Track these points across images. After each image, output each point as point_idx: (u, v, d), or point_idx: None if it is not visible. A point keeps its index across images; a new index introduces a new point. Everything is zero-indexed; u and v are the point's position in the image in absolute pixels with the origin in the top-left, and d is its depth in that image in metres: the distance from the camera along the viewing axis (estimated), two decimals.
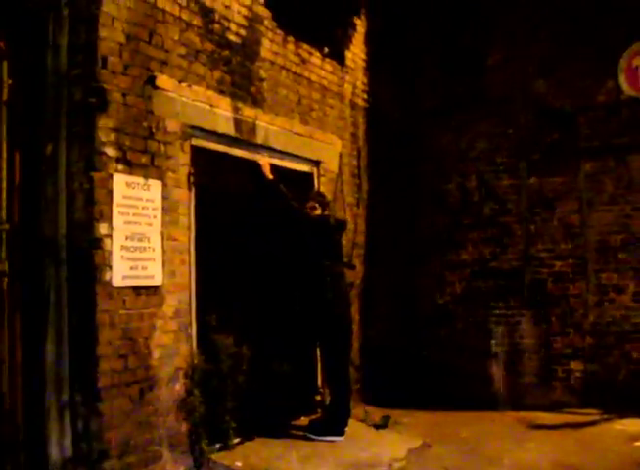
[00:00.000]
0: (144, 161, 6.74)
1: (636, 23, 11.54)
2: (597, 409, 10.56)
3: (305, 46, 9.70)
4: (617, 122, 11.65)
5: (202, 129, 7.58)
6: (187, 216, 7.29)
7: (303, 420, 9.08)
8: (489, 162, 12.40)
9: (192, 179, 7.34)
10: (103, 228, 6.28)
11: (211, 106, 7.70)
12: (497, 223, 12.31)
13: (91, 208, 6.23)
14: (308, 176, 9.76)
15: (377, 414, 9.73)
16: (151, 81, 6.85)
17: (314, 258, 8.83)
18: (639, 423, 9.69)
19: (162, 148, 6.97)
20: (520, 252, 12.15)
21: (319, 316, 8.82)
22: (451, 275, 12.57)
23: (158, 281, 6.82)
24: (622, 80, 11.64)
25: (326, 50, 10.26)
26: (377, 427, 9.38)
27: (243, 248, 8.42)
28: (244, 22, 8.43)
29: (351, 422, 9.10)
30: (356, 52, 11.20)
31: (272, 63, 8.94)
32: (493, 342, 12.27)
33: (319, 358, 9.41)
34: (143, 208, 6.68)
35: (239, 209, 8.43)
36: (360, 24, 11.38)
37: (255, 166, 8.49)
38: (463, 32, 12.75)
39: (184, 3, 7.42)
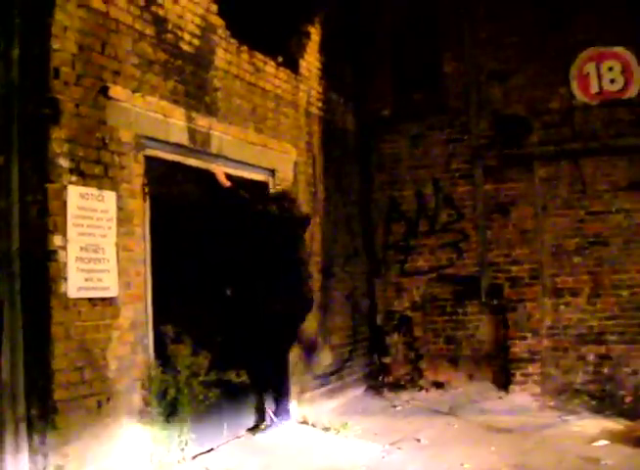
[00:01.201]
0: (97, 171, 6.68)
1: (586, 30, 11.73)
2: (555, 411, 10.66)
3: (259, 55, 9.69)
4: (570, 128, 11.84)
5: (155, 139, 7.53)
6: (142, 227, 7.25)
7: (263, 428, 9.07)
8: (445, 168, 12.54)
9: (146, 190, 7.30)
10: (57, 240, 6.21)
11: (165, 116, 7.66)
12: (454, 229, 12.45)
13: (45, 219, 6.16)
14: (264, 185, 9.75)
15: (338, 421, 9.72)
16: (104, 92, 6.79)
17: (285, 255, 8.88)
18: (596, 424, 9.78)
19: (116, 158, 6.92)
20: (476, 257, 12.29)
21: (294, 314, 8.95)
22: (409, 282, 12.66)
23: (113, 292, 6.77)
24: (574, 87, 11.86)
25: (280, 59, 10.26)
26: (338, 433, 9.38)
27: (200, 256, 8.37)
28: (197, 31, 8.41)
29: (312, 429, 9.12)
30: (311, 61, 11.22)
31: (226, 72, 8.93)
32: (452, 347, 12.36)
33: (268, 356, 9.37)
34: (97, 219, 6.63)
35: (196, 218, 8.38)
36: (314, 33, 11.40)
37: (211, 175, 8.48)
38: (418, 41, 12.86)
39: (137, 13, 7.37)
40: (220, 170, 8.58)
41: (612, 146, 11.64)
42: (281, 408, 9.23)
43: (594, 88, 11.82)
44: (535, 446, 8.87)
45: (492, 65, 12.36)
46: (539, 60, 12.05)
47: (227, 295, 8.74)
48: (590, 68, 11.86)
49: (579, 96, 11.88)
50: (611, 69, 11.76)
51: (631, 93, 11.69)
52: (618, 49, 11.73)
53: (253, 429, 9.05)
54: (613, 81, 11.77)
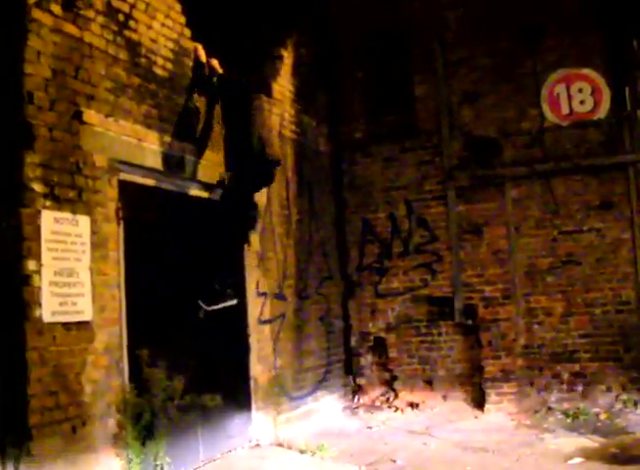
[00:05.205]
0: (72, 196, 6.69)
1: (556, 52, 11.89)
2: (531, 430, 10.69)
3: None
4: (542, 148, 11.97)
5: (129, 164, 7.54)
6: (116, 251, 7.24)
7: (239, 452, 9.05)
8: (418, 190, 12.61)
9: (121, 214, 7.30)
10: (31, 265, 6.19)
11: (139, 140, 7.68)
12: (427, 251, 12.52)
13: (19, 244, 6.15)
14: None
15: (314, 442, 9.71)
16: (77, 116, 6.81)
17: None
18: (572, 442, 9.82)
19: (90, 183, 6.92)
20: (450, 278, 12.35)
21: None
22: (383, 303, 12.69)
23: (88, 316, 6.75)
24: (545, 108, 11.99)
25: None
26: (314, 455, 9.36)
27: (175, 279, 8.35)
28: (171, 55, 8.44)
29: (288, 451, 9.11)
30: (283, 84, 11.27)
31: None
32: (427, 368, 12.39)
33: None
34: (72, 243, 6.62)
35: (170, 241, 8.37)
36: (287, 56, 11.46)
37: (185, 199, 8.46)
38: (389, 65, 12.98)
39: (111, 37, 7.40)
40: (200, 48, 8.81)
41: (583, 166, 11.77)
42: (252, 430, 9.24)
43: (565, 109, 11.97)
44: (512, 466, 8.90)
45: (463, 87, 12.50)
46: (510, 81, 12.21)
47: (200, 317, 8.72)
48: (560, 89, 12.00)
49: (550, 117, 12.02)
50: (580, 90, 11.91)
51: (601, 114, 11.83)
52: (588, 71, 11.88)
53: (230, 451, 9.03)
54: (583, 102, 11.92)
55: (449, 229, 12.41)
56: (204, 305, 8.37)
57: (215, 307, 8.42)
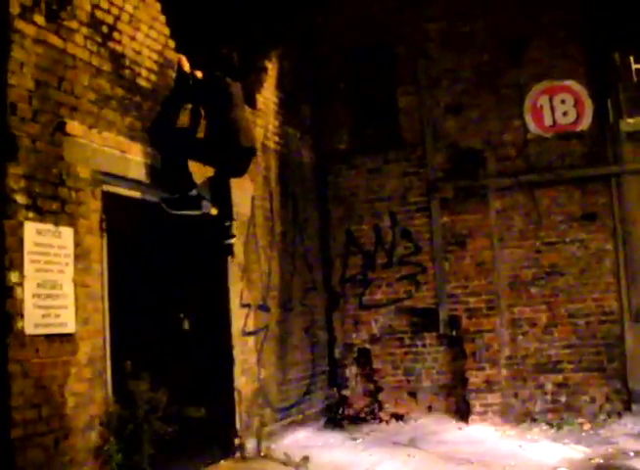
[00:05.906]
0: (55, 207, 6.66)
1: (539, 64, 11.96)
2: (515, 441, 10.71)
3: None
4: (525, 160, 12.02)
5: (113, 175, 7.52)
6: (100, 263, 7.21)
7: (223, 464, 9.02)
8: (402, 201, 12.63)
9: (104, 225, 7.27)
10: (14, 276, 6.15)
11: (122, 152, 7.65)
12: (411, 262, 12.52)
13: (1, 256, 6.11)
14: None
15: (298, 454, 9.67)
16: (61, 127, 6.78)
17: None
18: (556, 452, 9.88)
19: (73, 194, 6.90)
20: (434, 289, 12.37)
21: None
22: (367, 315, 12.70)
23: (71, 328, 6.71)
24: (528, 119, 12.04)
25: None
26: (298, 467, 9.34)
27: (158, 291, 8.32)
28: (155, 67, 8.43)
29: (272, 463, 9.08)
30: (267, 96, 11.28)
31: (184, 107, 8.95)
32: (411, 379, 12.39)
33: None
34: (55, 255, 6.59)
35: (153, 252, 8.34)
36: (271, 68, 11.48)
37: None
38: (373, 76, 13.01)
39: (94, 49, 7.38)
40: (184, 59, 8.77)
41: (566, 177, 11.84)
42: (241, 444, 9.21)
43: (548, 121, 12.04)
44: None
45: (447, 99, 12.55)
46: (494, 93, 12.26)
47: (185, 328, 8.70)
48: (543, 101, 12.08)
49: (534, 128, 12.09)
50: (563, 101, 11.99)
51: (583, 125, 11.91)
52: (570, 82, 11.96)
53: (214, 464, 8.99)
54: (565, 114, 12.00)
55: (433, 241, 12.43)
56: (167, 208, 8.31)
57: (178, 212, 8.38)
